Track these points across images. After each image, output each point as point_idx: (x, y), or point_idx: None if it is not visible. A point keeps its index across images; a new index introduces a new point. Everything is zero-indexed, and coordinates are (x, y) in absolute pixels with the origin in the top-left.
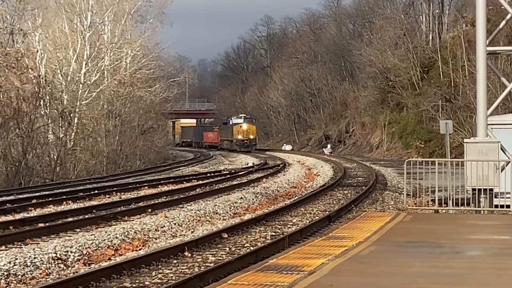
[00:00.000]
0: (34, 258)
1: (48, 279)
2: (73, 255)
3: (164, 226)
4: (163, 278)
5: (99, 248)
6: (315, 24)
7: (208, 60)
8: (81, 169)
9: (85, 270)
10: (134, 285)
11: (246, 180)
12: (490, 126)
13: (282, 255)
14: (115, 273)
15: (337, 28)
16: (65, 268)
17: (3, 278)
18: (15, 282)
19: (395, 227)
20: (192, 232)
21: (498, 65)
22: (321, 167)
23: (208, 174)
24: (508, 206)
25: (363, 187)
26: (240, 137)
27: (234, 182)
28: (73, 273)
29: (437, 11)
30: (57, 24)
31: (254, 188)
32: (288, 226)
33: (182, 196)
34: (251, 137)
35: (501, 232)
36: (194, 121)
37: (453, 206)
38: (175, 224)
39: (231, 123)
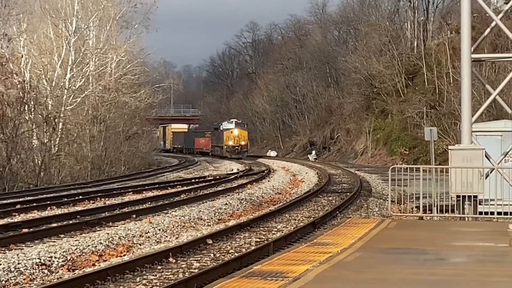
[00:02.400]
0: (18, 263)
1: (32, 285)
2: (57, 261)
3: (148, 232)
4: (147, 284)
5: (83, 254)
6: (300, 31)
7: (193, 66)
8: (65, 174)
9: (69, 276)
10: None
11: (230, 186)
12: (475, 133)
13: (267, 261)
14: (99, 279)
15: (322, 34)
16: (49, 273)
17: None
18: None
19: (379, 233)
20: (176, 238)
21: (482, 72)
22: (306, 173)
23: (193, 180)
24: (492, 213)
25: (348, 194)
26: (231, 143)
27: (219, 188)
28: (57, 278)
29: (422, 18)
30: (42, 29)
31: (238, 194)
32: (273, 232)
33: (166, 202)
34: (243, 143)
35: (485, 239)
36: (186, 126)
37: (437, 213)
38: (159, 230)
39: (221, 128)
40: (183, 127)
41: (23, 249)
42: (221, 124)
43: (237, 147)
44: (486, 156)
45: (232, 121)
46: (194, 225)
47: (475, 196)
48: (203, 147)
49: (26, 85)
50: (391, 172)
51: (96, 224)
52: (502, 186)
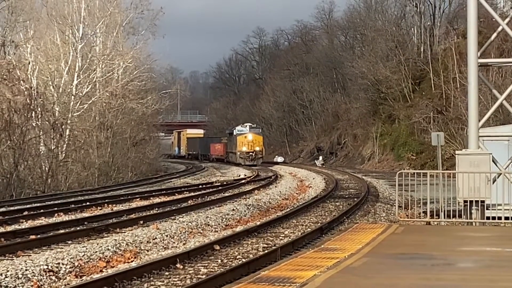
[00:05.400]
0: (26, 270)
1: None
2: (65, 267)
3: (156, 238)
4: None
5: (91, 260)
6: (306, 36)
7: (200, 72)
8: (72, 181)
9: (77, 282)
10: None
11: (238, 192)
12: (482, 138)
13: (274, 267)
14: (106, 285)
15: (328, 40)
16: (56, 280)
17: None
18: None
19: (387, 239)
20: (184, 244)
21: (489, 77)
22: (313, 178)
23: (200, 186)
24: (499, 218)
25: (355, 199)
26: (244, 149)
27: (226, 194)
28: (65, 285)
29: (428, 23)
30: (49, 35)
31: (246, 200)
32: (280, 238)
33: (174, 208)
34: (257, 149)
35: (492, 244)
36: (201, 131)
37: (445, 218)
38: (167, 236)
39: (235, 133)
40: (198, 132)
41: (30, 255)
42: (235, 129)
43: (251, 153)
44: (493, 161)
45: (246, 125)
46: (202, 231)
47: (483, 201)
48: (218, 154)
49: (33, 91)
50: (398, 177)
51: (103, 230)
52: (510, 191)
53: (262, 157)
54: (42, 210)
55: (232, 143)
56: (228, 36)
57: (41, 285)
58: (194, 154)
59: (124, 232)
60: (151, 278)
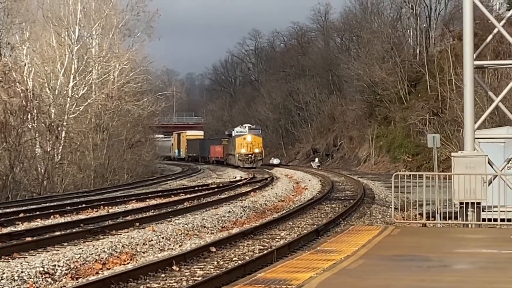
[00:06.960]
0: (22, 272)
1: None
2: (61, 269)
3: (152, 240)
4: None
5: (87, 262)
6: (302, 38)
7: (196, 74)
8: (68, 183)
9: (73, 284)
10: None
11: (234, 194)
12: (478, 140)
13: (270, 268)
14: (102, 287)
15: (324, 42)
16: (52, 282)
17: None
18: None
19: (383, 240)
20: (180, 246)
21: (485, 79)
22: (309, 180)
23: (196, 188)
24: (495, 220)
25: (351, 201)
26: (243, 150)
27: (222, 196)
28: (61, 287)
29: (424, 25)
30: (44, 37)
31: (242, 202)
32: (276, 239)
33: (170, 210)
34: (257, 150)
35: (488, 246)
36: (201, 133)
37: (440, 219)
38: (163, 238)
39: (233, 134)
40: (199, 133)
41: (26, 257)
42: (233, 130)
43: (250, 155)
44: (489, 162)
45: (245, 126)
46: (198, 233)
47: (478, 203)
48: (218, 156)
49: (29, 93)
50: (394, 179)
51: (99, 232)
52: (505, 193)
53: (262, 159)
54: (38, 212)
55: (230, 145)
56: (224, 38)
57: (37, 287)
58: (194, 156)
59: (120, 234)
60: (147, 280)
